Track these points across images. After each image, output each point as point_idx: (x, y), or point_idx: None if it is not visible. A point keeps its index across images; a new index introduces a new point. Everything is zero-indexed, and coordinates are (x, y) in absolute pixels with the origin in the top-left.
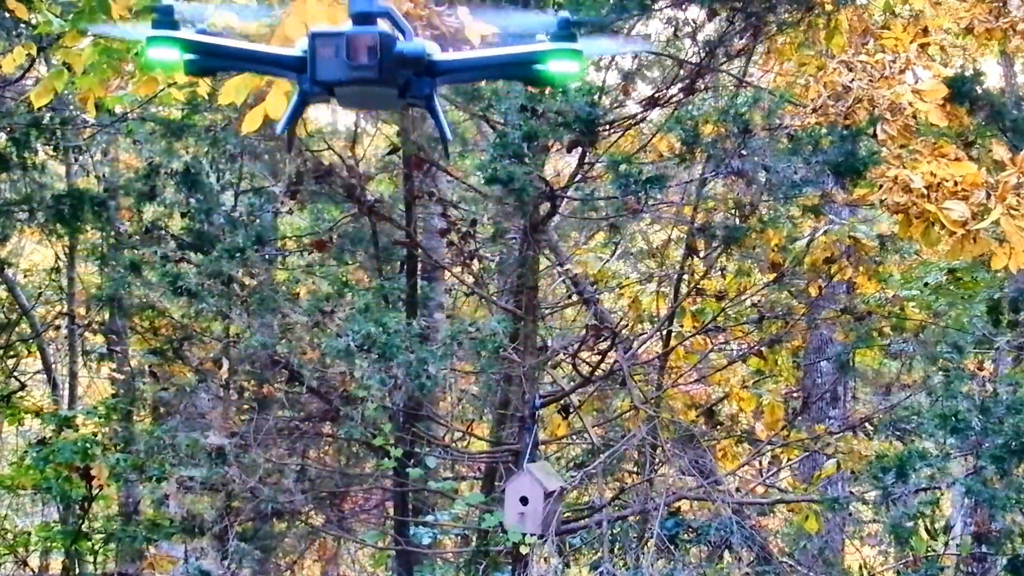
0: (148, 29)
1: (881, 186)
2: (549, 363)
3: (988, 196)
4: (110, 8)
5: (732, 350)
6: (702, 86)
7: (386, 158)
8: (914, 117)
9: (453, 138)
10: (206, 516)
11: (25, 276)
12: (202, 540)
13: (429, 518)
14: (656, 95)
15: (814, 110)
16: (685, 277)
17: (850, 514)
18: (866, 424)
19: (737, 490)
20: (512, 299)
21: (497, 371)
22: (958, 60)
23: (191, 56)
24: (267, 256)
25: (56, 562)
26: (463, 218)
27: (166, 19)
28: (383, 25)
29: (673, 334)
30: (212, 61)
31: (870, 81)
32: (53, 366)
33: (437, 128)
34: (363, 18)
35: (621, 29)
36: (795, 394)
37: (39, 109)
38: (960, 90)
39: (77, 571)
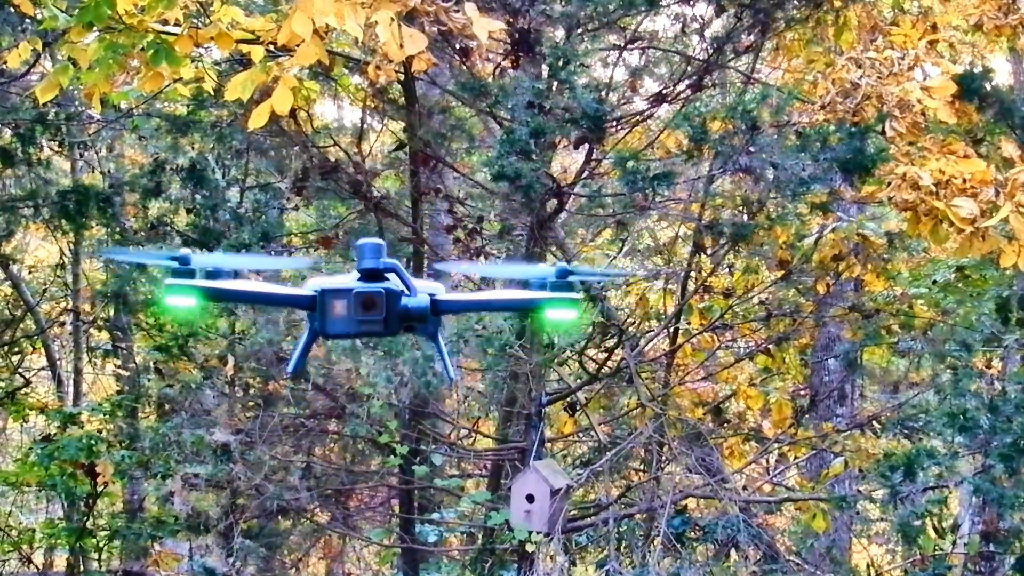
0: (167, 278)
1: (889, 183)
2: (556, 360)
3: (997, 193)
4: (115, 3)
5: (739, 348)
6: (710, 83)
7: (392, 154)
8: (923, 114)
9: (461, 135)
10: (211, 513)
11: (30, 272)
12: (207, 537)
13: (435, 516)
14: (664, 91)
15: (822, 107)
16: (692, 274)
17: (857, 512)
18: (874, 422)
19: (744, 488)
20: None
21: (503, 368)
22: (967, 57)
23: (206, 299)
24: (273, 252)
25: (60, 559)
26: (470, 215)
27: (184, 268)
28: (391, 279)
29: (680, 331)
30: (228, 298)
31: (879, 78)
32: (58, 362)
33: (440, 361)
34: (370, 274)
35: (628, 25)
36: (802, 392)
37: (44, 105)
38: (969, 87)
39: (81, 568)
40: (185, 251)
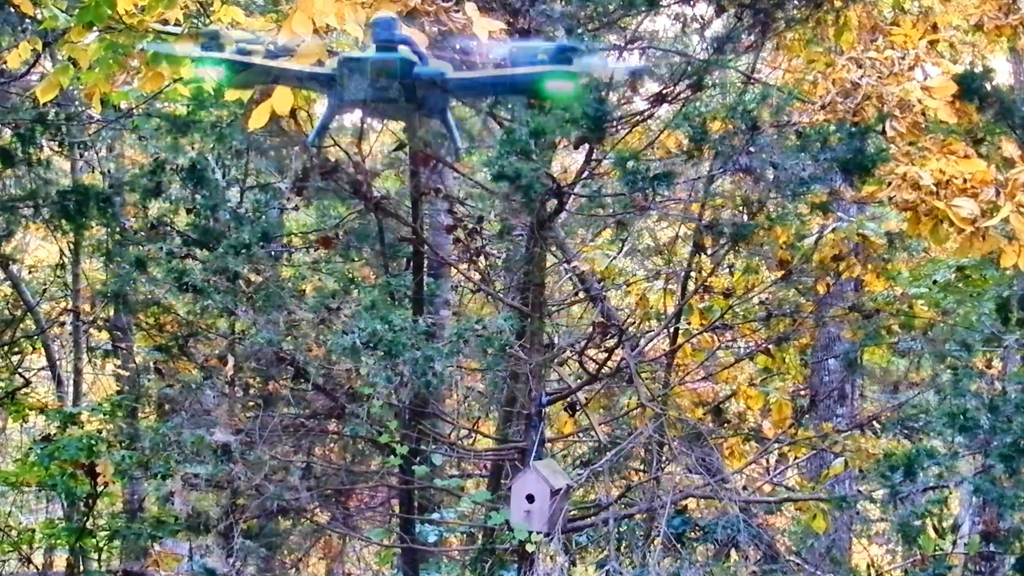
0: (197, 51)
1: (890, 183)
2: (556, 360)
3: (997, 193)
4: (115, 3)
5: (739, 348)
6: (710, 83)
7: (392, 154)
8: (923, 114)
9: (460, 135)
10: (211, 513)
11: (30, 272)
12: (207, 537)
13: (435, 516)
14: (664, 91)
15: (823, 107)
16: (692, 274)
17: (858, 513)
18: (874, 422)
19: (744, 488)
20: (519, 296)
21: (503, 368)
22: (967, 57)
23: (232, 73)
24: (273, 253)
25: (60, 559)
26: (470, 215)
27: (213, 42)
28: (404, 51)
29: (680, 331)
30: (252, 78)
31: (879, 78)
32: (58, 363)
33: (448, 135)
34: (386, 45)
35: (628, 25)
36: (802, 392)
37: (44, 105)
38: (969, 87)
39: (81, 568)
40: (215, 27)
